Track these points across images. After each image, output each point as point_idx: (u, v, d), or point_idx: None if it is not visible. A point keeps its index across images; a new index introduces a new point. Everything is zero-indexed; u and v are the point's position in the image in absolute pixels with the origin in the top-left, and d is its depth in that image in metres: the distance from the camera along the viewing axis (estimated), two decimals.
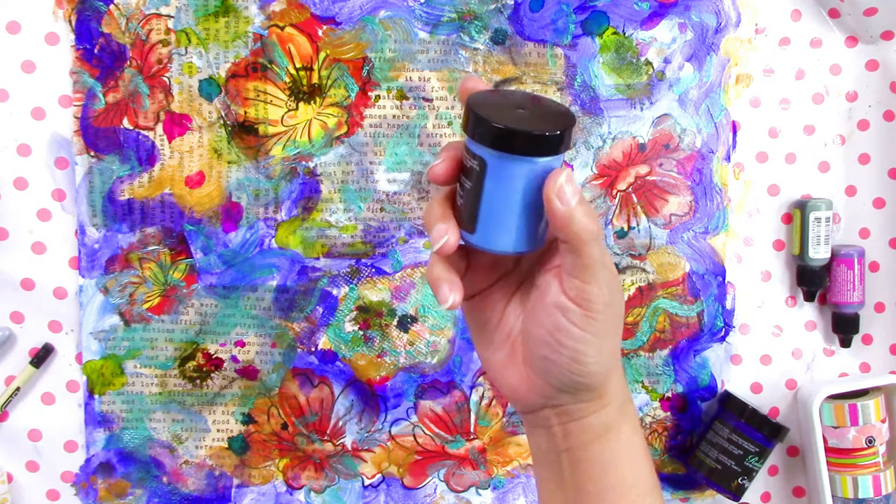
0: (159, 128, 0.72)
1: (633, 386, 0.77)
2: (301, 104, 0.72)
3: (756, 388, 0.79)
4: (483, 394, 0.76)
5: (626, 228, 0.76)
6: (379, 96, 0.73)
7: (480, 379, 0.76)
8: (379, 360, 0.75)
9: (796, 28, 0.76)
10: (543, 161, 0.42)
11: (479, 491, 0.77)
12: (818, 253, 0.76)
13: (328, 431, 0.75)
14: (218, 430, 0.75)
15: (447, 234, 0.42)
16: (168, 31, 0.71)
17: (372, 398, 0.75)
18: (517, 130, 0.41)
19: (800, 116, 0.77)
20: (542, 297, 0.43)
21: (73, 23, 0.70)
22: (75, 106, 0.71)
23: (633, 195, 0.76)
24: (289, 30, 0.71)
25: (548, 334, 0.43)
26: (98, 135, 0.71)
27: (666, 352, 0.77)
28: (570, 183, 0.41)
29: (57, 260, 0.72)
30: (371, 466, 0.76)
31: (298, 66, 0.72)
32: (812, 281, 0.76)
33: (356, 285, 0.74)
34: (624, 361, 0.77)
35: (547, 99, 0.46)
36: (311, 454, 0.76)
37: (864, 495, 0.74)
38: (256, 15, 0.71)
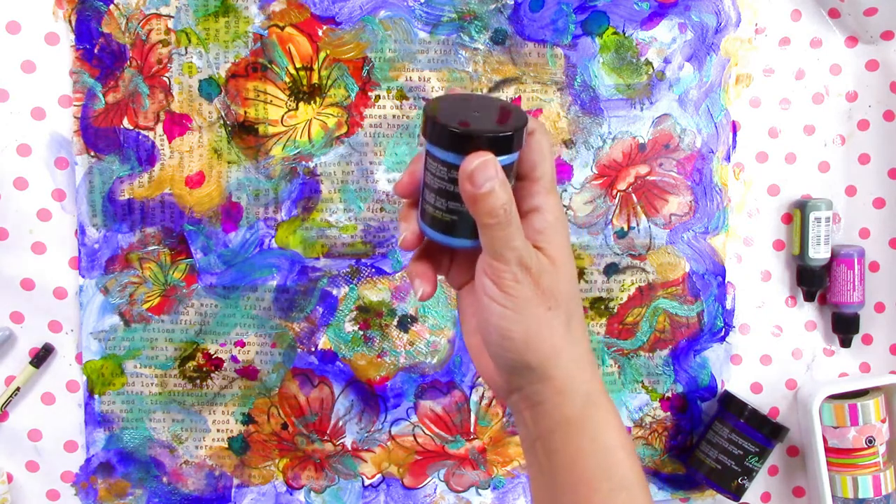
0: (159, 128, 0.72)
1: (633, 386, 0.77)
2: (301, 104, 0.72)
3: (756, 388, 0.79)
4: (483, 394, 0.76)
5: (626, 228, 0.76)
6: (379, 96, 0.73)
7: (480, 379, 0.76)
8: (379, 360, 0.75)
9: (796, 28, 0.76)
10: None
11: (479, 491, 0.77)
12: (818, 253, 0.76)
13: (328, 431, 0.75)
14: (218, 430, 0.75)
15: (422, 287, 0.47)
16: (168, 31, 0.71)
17: (372, 398, 0.75)
18: (450, 130, 0.43)
19: (800, 116, 0.77)
20: (473, 282, 0.46)
21: (73, 23, 0.70)
22: (75, 106, 0.71)
23: (633, 195, 0.76)
24: (289, 30, 0.71)
25: (482, 318, 0.45)
26: (98, 135, 0.71)
27: (666, 352, 0.77)
28: (485, 169, 0.42)
29: (57, 260, 0.72)
30: (371, 466, 0.76)
31: (298, 66, 0.72)
32: (812, 281, 0.76)
33: (356, 285, 0.74)
34: (624, 361, 0.77)
35: (504, 103, 0.47)
36: (311, 454, 0.76)
37: (864, 495, 0.74)
38: (256, 15, 0.71)
